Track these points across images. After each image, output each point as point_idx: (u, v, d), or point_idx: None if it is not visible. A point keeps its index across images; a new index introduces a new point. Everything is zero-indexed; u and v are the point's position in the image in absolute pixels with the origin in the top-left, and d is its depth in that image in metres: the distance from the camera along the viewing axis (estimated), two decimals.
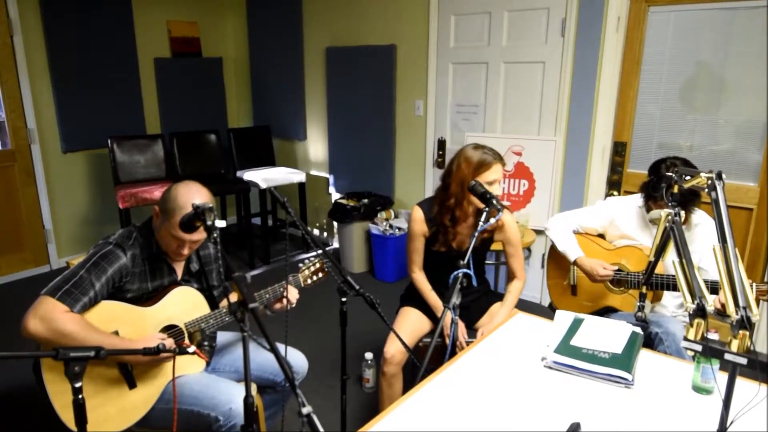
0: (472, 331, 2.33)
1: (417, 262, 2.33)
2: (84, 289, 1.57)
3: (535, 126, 3.64)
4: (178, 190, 1.73)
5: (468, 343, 2.19)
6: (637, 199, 2.34)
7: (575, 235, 2.41)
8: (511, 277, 2.36)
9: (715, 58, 3.00)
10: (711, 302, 1.21)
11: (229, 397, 1.71)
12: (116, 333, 1.64)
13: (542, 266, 3.78)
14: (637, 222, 2.32)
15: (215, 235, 1.49)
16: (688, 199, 2.06)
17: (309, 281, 2.00)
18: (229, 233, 5.08)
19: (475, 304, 2.34)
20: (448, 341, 2.15)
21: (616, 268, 2.25)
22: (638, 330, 1.77)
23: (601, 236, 2.45)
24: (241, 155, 4.82)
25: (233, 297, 1.72)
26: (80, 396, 1.29)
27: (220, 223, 1.56)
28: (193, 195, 1.71)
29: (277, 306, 1.95)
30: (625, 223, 2.34)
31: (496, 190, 2.07)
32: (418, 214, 2.25)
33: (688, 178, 1.49)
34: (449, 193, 2.17)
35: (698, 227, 2.24)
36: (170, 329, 1.75)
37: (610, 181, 3.46)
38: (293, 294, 1.94)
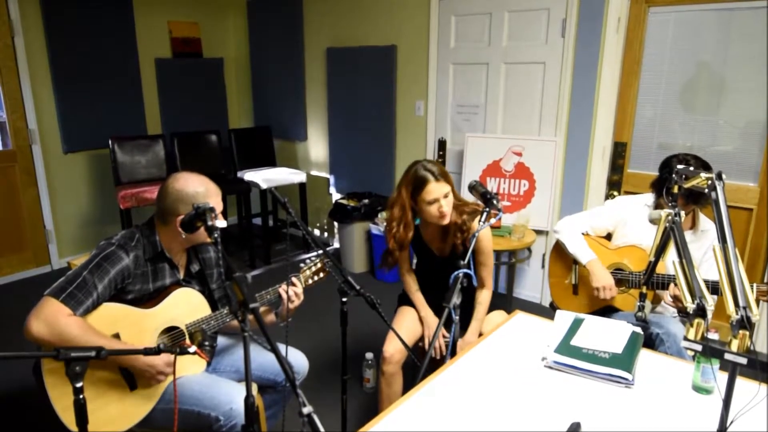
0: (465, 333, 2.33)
1: (404, 265, 2.36)
2: (87, 292, 1.57)
3: (536, 126, 3.64)
4: (182, 183, 1.73)
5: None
6: (646, 198, 2.34)
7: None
8: (479, 285, 2.29)
9: (715, 59, 3.00)
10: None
11: (230, 397, 1.72)
12: (117, 335, 1.64)
13: (542, 266, 3.78)
14: (645, 220, 2.31)
15: (216, 235, 1.50)
16: (702, 194, 2.00)
17: (310, 281, 2.00)
18: (229, 233, 5.09)
19: (471, 305, 2.34)
20: (441, 346, 2.16)
21: (621, 289, 2.26)
22: (638, 330, 1.77)
23: (610, 236, 2.45)
24: (242, 156, 4.83)
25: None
26: (81, 396, 1.29)
27: (221, 224, 1.56)
28: (198, 185, 1.73)
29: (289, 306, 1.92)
30: (634, 222, 2.34)
31: (441, 207, 2.05)
32: None
33: (686, 177, 1.49)
34: (391, 214, 2.20)
35: (705, 234, 2.23)
36: (171, 331, 1.75)
37: (611, 181, 3.46)
38: (297, 290, 1.92)
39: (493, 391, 1.51)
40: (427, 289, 2.37)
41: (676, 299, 2.07)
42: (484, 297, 2.27)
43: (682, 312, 2.14)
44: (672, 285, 2.08)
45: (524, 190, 3.72)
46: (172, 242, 1.78)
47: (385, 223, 2.31)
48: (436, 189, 2.05)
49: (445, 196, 2.07)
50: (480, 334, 2.22)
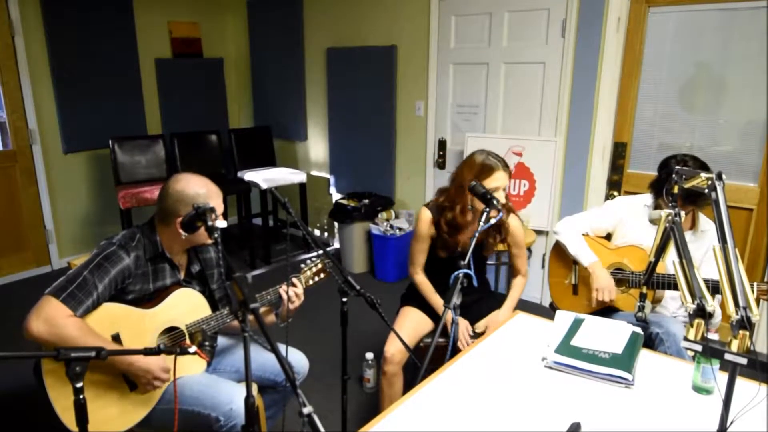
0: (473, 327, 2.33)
1: (419, 263, 2.34)
2: (87, 291, 1.57)
3: (536, 126, 3.64)
4: (183, 184, 1.73)
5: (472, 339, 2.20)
6: (646, 198, 2.34)
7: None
8: (515, 274, 2.43)
9: (715, 59, 3.00)
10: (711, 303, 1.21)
11: (230, 397, 1.72)
12: (117, 335, 1.65)
13: (542, 266, 3.78)
14: (645, 221, 2.32)
15: (216, 235, 1.50)
16: (700, 194, 2.01)
17: (311, 282, 2.00)
18: (229, 233, 5.08)
19: (476, 305, 2.34)
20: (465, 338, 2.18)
21: (621, 289, 2.27)
22: (638, 330, 1.77)
23: (609, 236, 2.45)
24: (242, 156, 4.83)
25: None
26: (81, 396, 1.29)
27: (222, 224, 1.57)
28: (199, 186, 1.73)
29: (290, 307, 1.92)
30: (633, 222, 2.34)
31: (499, 197, 2.06)
32: (426, 215, 2.25)
33: (686, 177, 1.49)
34: (447, 197, 2.21)
35: (705, 234, 2.23)
36: (171, 331, 1.75)
37: (611, 181, 3.46)
38: (298, 291, 1.91)
39: (493, 391, 1.51)
40: (438, 284, 2.33)
41: None
42: (519, 281, 2.41)
43: None
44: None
45: (524, 191, 3.72)
46: (172, 243, 1.78)
47: (431, 204, 2.30)
48: (501, 177, 2.10)
49: (504, 189, 2.12)
50: (482, 333, 2.23)
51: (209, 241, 1.86)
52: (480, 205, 2.09)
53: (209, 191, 1.75)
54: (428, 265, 2.37)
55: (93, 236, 4.59)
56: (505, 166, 2.13)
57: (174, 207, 1.71)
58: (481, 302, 2.36)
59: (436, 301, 2.30)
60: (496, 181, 2.08)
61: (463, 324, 2.24)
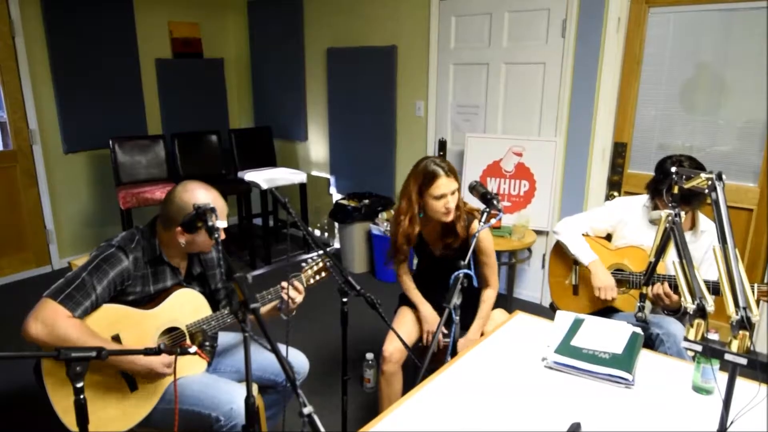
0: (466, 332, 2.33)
1: (401, 265, 2.38)
2: (86, 293, 1.57)
3: (536, 127, 3.64)
4: (189, 195, 1.71)
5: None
6: (646, 199, 2.35)
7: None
8: (484, 285, 2.31)
9: (715, 59, 3.00)
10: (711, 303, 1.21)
11: (230, 397, 1.72)
12: (117, 336, 1.65)
13: (543, 267, 3.78)
14: (644, 221, 2.32)
15: (216, 235, 1.50)
16: (694, 195, 2.01)
17: (312, 281, 2.00)
18: (230, 234, 5.08)
19: (473, 305, 2.34)
20: (441, 341, 2.17)
21: (622, 290, 2.26)
22: (639, 330, 1.78)
23: (609, 236, 2.45)
24: (243, 156, 4.83)
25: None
26: (82, 396, 1.29)
27: (222, 224, 1.56)
28: (204, 197, 1.71)
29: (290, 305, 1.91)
30: (633, 222, 2.34)
31: (448, 203, 2.06)
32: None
33: (687, 178, 1.49)
34: (398, 209, 2.22)
35: (705, 234, 2.23)
36: (171, 332, 1.75)
37: (611, 181, 3.46)
38: (298, 291, 1.91)
39: (493, 391, 1.51)
40: (427, 288, 2.37)
41: (658, 298, 2.07)
42: (488, 295, 2.28)
43: (667, 310, 2.15)
44: (657, 284, 2.07)
45: (524, 191, 3.72)
46: (171, 248, 1.78)
47: (392, 217, 2.32)
48: (445, 184, 2.06)
49: (452, 193, 2.09)
50: (481, 333, 2.23)
51: (207, 250, 1.85)
52: (431, 211, 2.11)
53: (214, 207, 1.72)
54: (420, 265, 2.40)
55: (93, 236, 4.59)
56: (450, 171, 2.08)
57: (175, 216, 1.69)
58: (477, 303, 2.35)
59: (416, 296, 2.35)
60: (440, 189, 2.05)
61: (435, 321, 2.25)
